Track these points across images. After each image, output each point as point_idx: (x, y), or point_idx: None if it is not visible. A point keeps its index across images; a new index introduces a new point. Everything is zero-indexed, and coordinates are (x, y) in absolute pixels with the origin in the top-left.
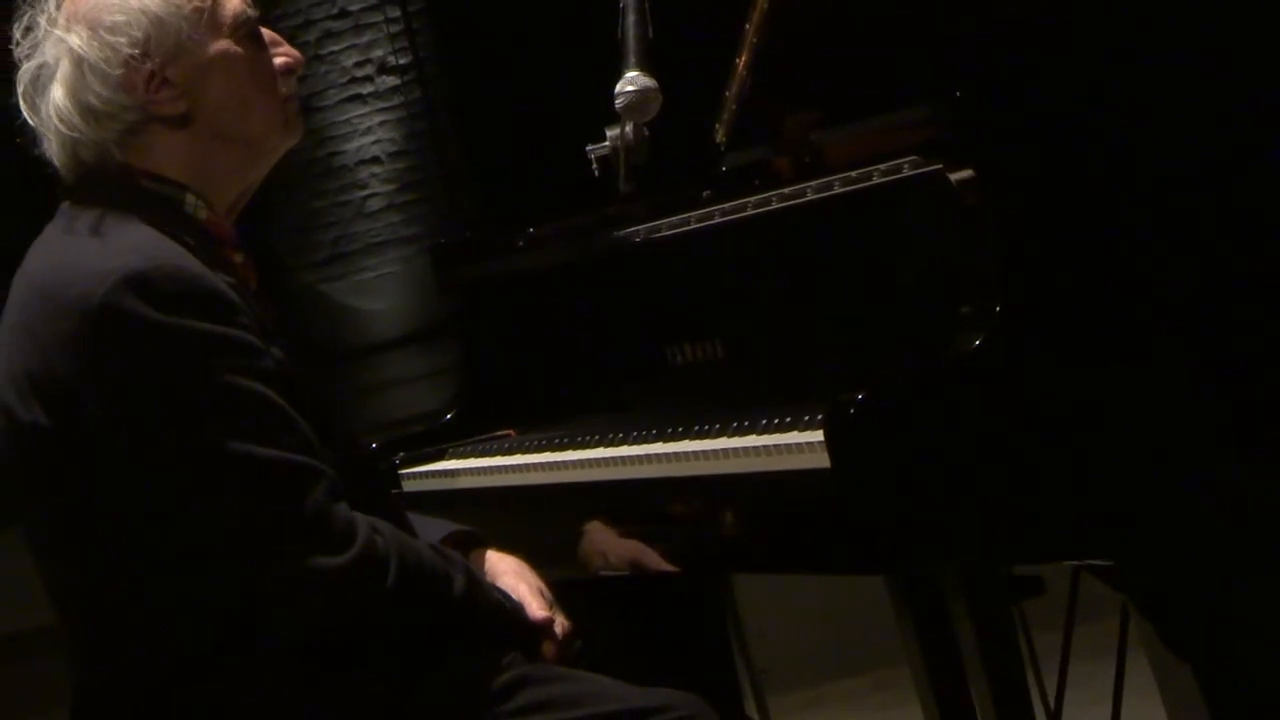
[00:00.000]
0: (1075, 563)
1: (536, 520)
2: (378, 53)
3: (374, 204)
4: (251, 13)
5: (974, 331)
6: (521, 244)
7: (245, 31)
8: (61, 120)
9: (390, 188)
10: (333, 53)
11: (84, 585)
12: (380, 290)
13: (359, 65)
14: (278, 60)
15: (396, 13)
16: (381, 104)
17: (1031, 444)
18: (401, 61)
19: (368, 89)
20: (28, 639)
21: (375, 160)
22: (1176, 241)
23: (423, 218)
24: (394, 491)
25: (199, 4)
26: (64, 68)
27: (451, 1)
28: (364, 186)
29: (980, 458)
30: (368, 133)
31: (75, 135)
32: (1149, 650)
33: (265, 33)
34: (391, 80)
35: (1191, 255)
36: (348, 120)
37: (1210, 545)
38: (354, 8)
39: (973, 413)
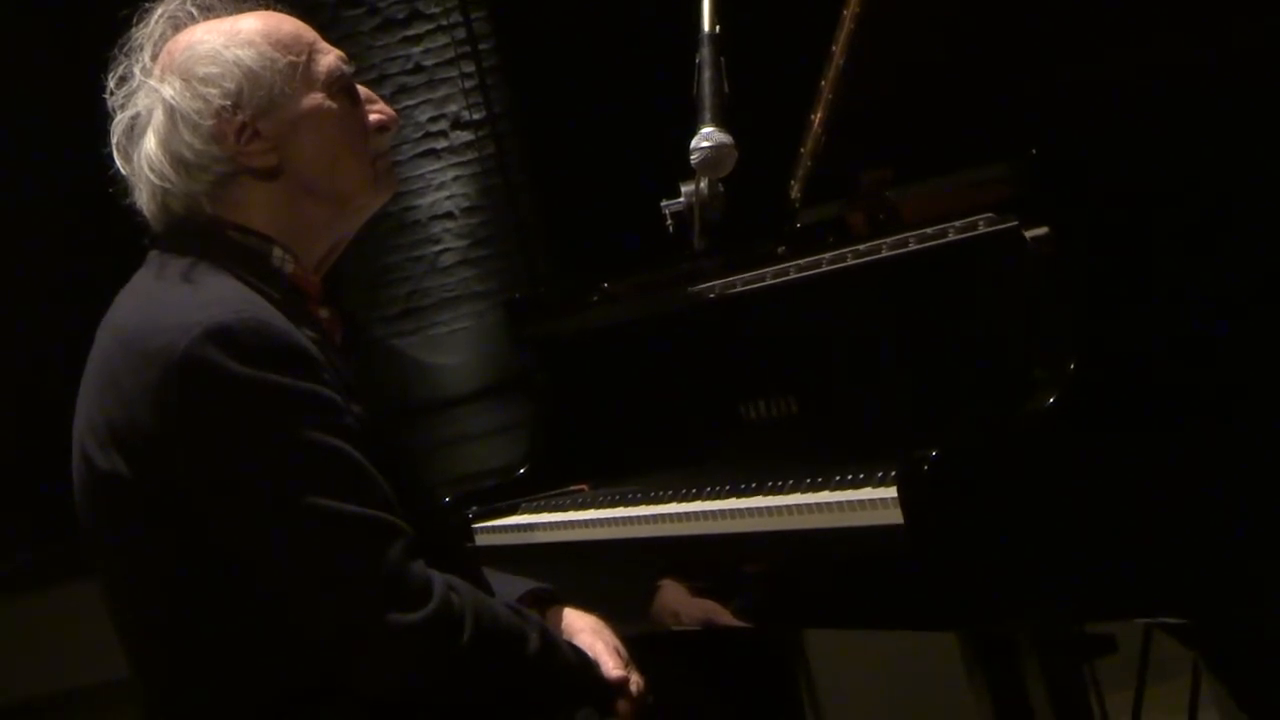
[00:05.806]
0: (1147, 621)
1: (609, 575)
2: (452, 108)
3: (447, 259)
4: (346, 69)
5: (1048, 389)
6: (595, 299)
7: (339, 87)
8: (153, 170)
9: (463, 243)
10: (407, 108)
11: (158, 637)
12: (453, 345)
13: (433, 120)
14: (372, 117)
15: (471, 68)
16: (455, 159)
17: (1104, 502)
18: (476, 117)
19: (442, 144)
20: (100, 692)
21: (449, 215)
22: (1254, 301)
23: (496, 273)
24: (466, 545)
25: (293, 58)
26: (157, 118)
27: (526, 57)
28: (437, 241)
29: (1053, 515)
30: (441, 188)
31: (166, 185)
32: (1220, 709)
33: (360, 89)
34: (465, 135)
35: (1270, 316)
36: (421, 175)
37: None
38: (429, 63)
39: (1046, 471)
